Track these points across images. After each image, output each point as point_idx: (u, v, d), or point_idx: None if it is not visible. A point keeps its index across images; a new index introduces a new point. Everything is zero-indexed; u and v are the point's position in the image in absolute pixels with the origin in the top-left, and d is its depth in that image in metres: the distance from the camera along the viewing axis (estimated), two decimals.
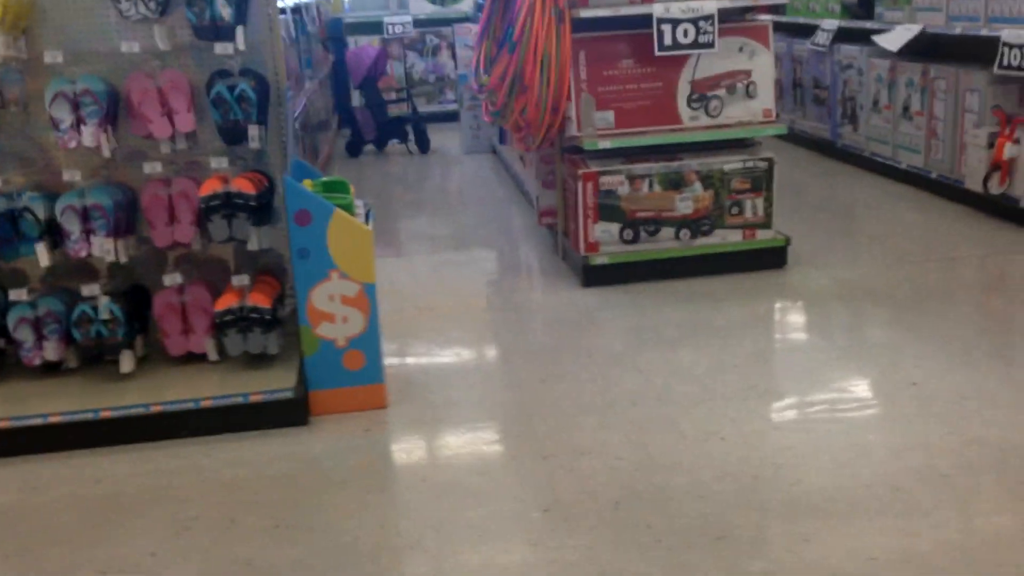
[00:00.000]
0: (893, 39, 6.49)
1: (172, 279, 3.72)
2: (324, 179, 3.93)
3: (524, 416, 3.55)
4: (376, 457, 3.36)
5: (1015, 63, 5.36)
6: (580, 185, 4.81)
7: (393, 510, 3.01)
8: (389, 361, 4.06)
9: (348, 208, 3.67)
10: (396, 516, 2.98)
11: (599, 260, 4.89)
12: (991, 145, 5.61)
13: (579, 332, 4.38)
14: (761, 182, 4.91)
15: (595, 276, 4.91)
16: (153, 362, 3.82)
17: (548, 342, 4.27)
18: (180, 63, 3.70)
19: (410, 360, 4.18)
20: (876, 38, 6.71)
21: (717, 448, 3.20)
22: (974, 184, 5.77)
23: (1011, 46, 5.37)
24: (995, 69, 5.49)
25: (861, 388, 3.64)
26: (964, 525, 2.72)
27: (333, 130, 9.66)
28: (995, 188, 5.61)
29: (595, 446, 3.27)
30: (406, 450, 3.41)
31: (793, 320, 4.53)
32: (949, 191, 6.18)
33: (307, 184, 3.71)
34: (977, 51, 5.91)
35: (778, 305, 4.68)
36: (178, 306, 3.75)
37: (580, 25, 4.77)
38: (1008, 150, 5.50)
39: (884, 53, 6.80)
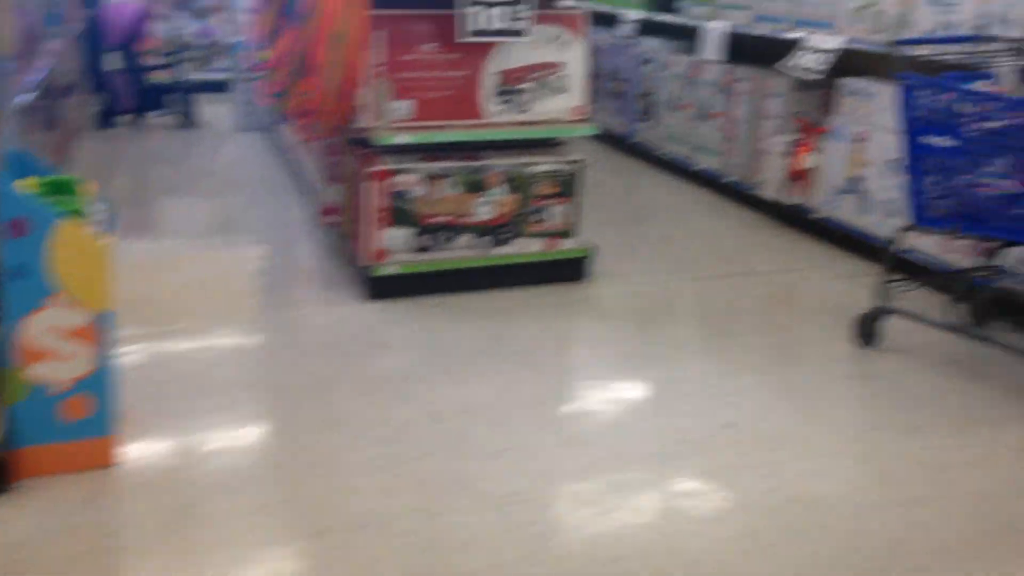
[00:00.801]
0: (712, 47, 6.19)
1: None
2: (52, 177, 3.15)
3: (293, 477, 2.94)
4: (98, 541, 2.63)
5: (808, 66, 5.19)
6: (369, 184, 4.22)
7: None
8: (125, 403, 3.33)
9: (81, 215, 2.93)
10: None
11: (388, 270, 4.32)
12: (790, 153, 5.47)
13: (363, 359, 3.80)
14: (569, 187, 4.49)
15: (382, 288, 4.34)
16: None
17: (325, 373, 3.65)
18: None
19: (151, 401, 3.38)
20: (699, 56, 6.38)
21: (521, 517, 2.73)
22: (771, 192, 5.62)
23: (807, 49, 5.20)
24: (778, 63, 5.31)
25: (676, 431, 3.26)
26: None
27: (83, 96, 8.50)
28: (792, 198, 5.47)
29: (377, 516, 2.72)
30: (138, 530, 2.69)
31: (596, 346, 4.11)
32: (744, 197, 6.03)
33: (29, 183, 2.94)
34: (782, 54, 5.75)
35: (579, 326, 4.28)
36: None
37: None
38: (807, 160, 5.38)
39: (688, 49, 6.58)
